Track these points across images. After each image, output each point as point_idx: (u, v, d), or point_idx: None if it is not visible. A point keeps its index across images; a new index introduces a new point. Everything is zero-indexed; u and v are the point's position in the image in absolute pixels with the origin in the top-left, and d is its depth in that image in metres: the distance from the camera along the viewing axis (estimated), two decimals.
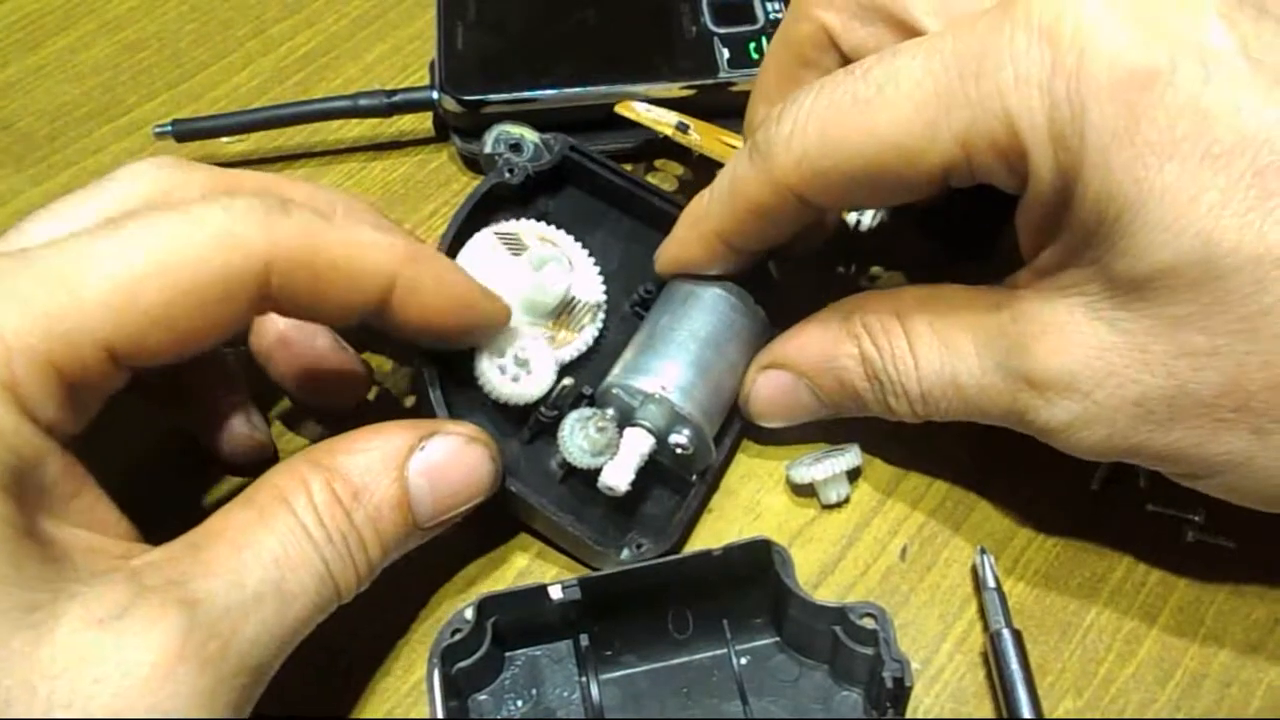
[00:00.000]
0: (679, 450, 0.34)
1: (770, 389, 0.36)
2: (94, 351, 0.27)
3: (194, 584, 0.26)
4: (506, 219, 0.38)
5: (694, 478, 0.36)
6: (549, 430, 0.35)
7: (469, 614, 0.31)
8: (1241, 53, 0.26)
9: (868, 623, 0.31)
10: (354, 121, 0.47)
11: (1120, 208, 0.27)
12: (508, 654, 0.33)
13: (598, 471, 0.34)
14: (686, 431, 0.34)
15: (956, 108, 0.28)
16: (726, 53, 0.46)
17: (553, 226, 0.39)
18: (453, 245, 0.37)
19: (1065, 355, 0.29)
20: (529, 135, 0.40)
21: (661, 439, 0.34)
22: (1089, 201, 0.27)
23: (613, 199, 0.41)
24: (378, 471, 0.30)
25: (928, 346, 0.32)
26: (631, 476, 0.34)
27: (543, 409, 0.35)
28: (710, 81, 0.45)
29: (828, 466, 0.36)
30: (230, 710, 0.26)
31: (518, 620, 0.32)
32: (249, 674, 0.27)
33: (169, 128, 0.45)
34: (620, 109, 0.41)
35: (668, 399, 0.34)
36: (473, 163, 0.46)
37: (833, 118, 0.30)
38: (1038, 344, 0.30)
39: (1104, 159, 0.27)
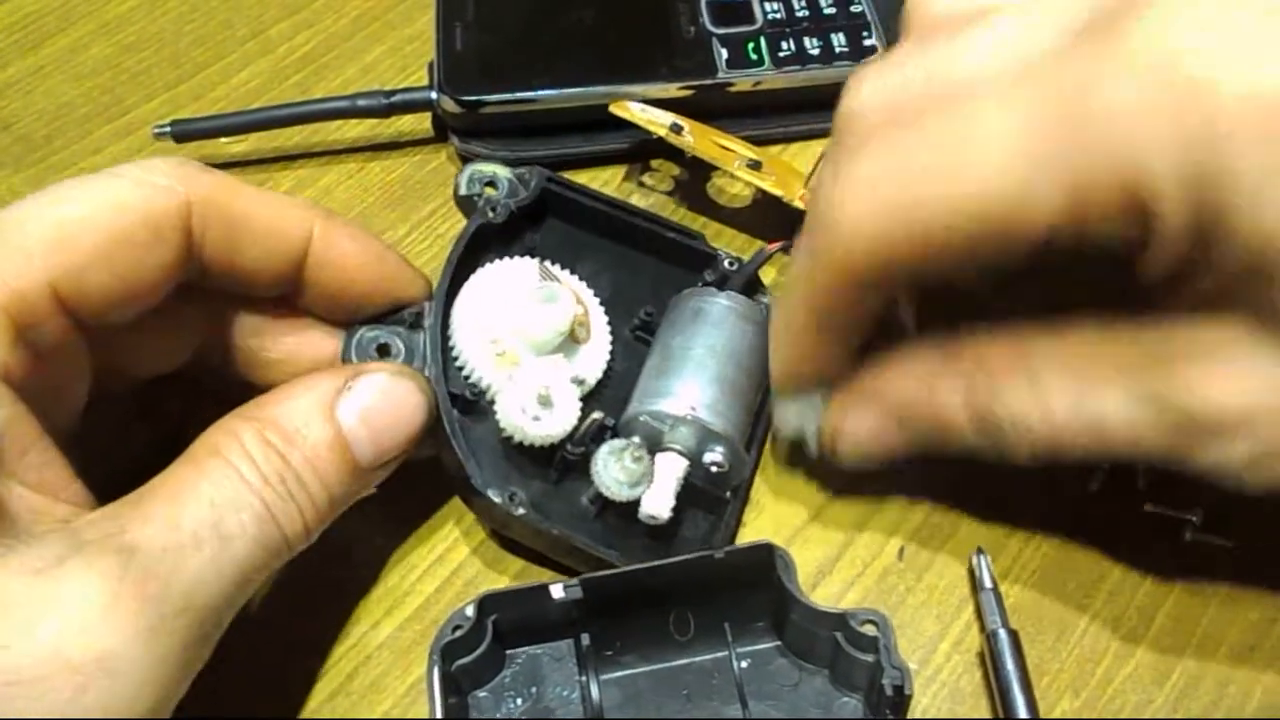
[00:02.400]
0: (714, 469, 0.34)
1: (859, 429, 0.33)
2: (38, 289, 0.28)
3: (130, 532, 0.26)
4: (495, 259, 0.38)
5: (727, 494, 0.35)
6: (576, 468, 0.34)
7: (470, 611, 0.31)
8: None
9: (869, 629, 0.31)
10: (353, 122, 0.47)
11: None
12: (508, 652, 0.33)
13: (635, 503, 0.33)
14: (720, 449, 0.33)
15: (1059, 155, 0.25)
16: (725, 53, 0.46)
17: (564, 269, 0.38)
18: (450, 288, 0.36)
19: (1234, 389, 0.27)
20: (501, 172, 0.39)
21: (694, 460, 0.34)
22: (1240, 244, 0.25)
23: (596, 226, 0.40)
24: (308, 415, 0.30)
25: (1060, 381, 0.29)
26: (673, 502, 0.33)
27: (569, 446, 0.34)
28: (708, 82, 0.45)
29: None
30: (177, 652, 0.26)
31: (518, 618, 0.32)
32: (192, 614, 0.26)
33: (168, 128, 0.45)
34: (615, 108, 0.41)
35: (699, 419, 0.33)
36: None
37: (902, 180, 0.27)
38: (1199, 377, 0.27)
39: (1255, 197, 0.24)
